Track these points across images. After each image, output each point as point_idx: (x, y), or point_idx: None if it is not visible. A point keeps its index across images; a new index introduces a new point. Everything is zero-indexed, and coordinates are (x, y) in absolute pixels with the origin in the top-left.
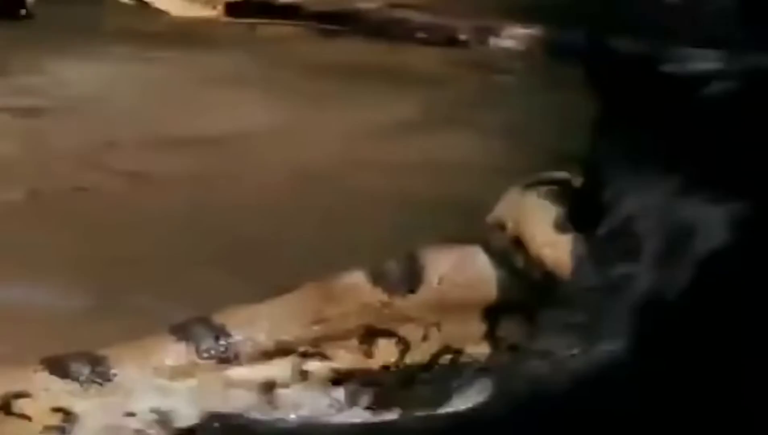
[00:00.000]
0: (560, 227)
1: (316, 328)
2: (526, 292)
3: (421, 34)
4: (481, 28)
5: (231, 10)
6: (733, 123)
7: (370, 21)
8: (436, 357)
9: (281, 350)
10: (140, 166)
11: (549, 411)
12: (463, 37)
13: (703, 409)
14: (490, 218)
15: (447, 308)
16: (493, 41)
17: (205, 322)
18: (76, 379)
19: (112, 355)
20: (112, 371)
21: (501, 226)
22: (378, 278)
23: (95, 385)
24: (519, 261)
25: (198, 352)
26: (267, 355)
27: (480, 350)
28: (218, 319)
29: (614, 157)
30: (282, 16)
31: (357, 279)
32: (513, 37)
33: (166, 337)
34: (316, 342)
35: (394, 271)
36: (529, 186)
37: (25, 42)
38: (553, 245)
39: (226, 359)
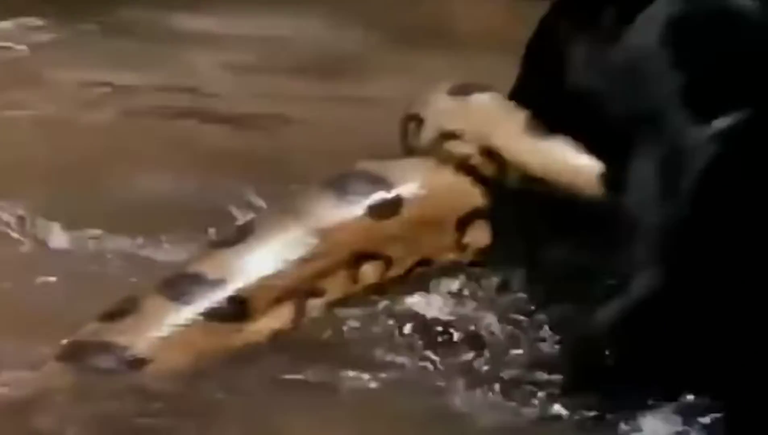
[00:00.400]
0: (533, 132)
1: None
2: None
3: None
4: None
5: None
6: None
7: None
8: (410, 270)
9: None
10: None
11: None
12: None
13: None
14: (406, 117)
15: (424, 223)
16: None
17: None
18: None
19: None
20: None
21: (417, 120)
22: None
23: None
24: (488, 169)
25: None
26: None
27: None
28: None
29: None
30: None
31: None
32: None
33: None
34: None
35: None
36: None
37: None
38: (533, 152)
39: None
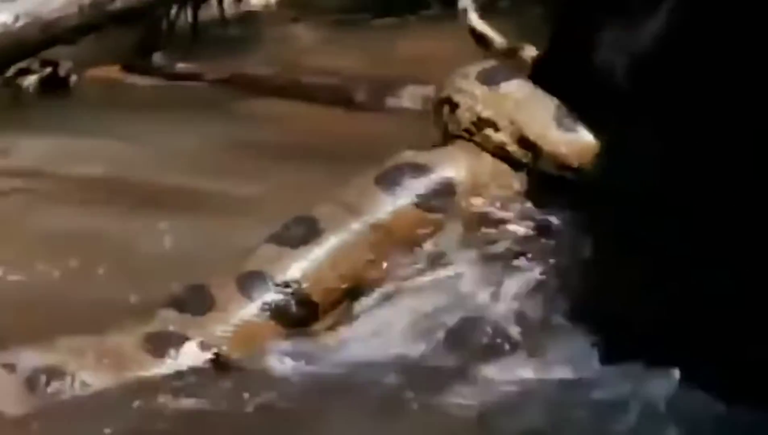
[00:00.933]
0: (564, 121)
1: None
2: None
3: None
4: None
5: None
6: None
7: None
8: None
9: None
10: None
11: None
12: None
13: None
14: (439, 100)
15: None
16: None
17: None
18: None
19: None
20: None
21: (450, 104)
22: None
23: None
24: (523, 157)
25: None
26: None
27: None
28: None
29: None
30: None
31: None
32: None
33: None
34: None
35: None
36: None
37: None
38: (566, 143)
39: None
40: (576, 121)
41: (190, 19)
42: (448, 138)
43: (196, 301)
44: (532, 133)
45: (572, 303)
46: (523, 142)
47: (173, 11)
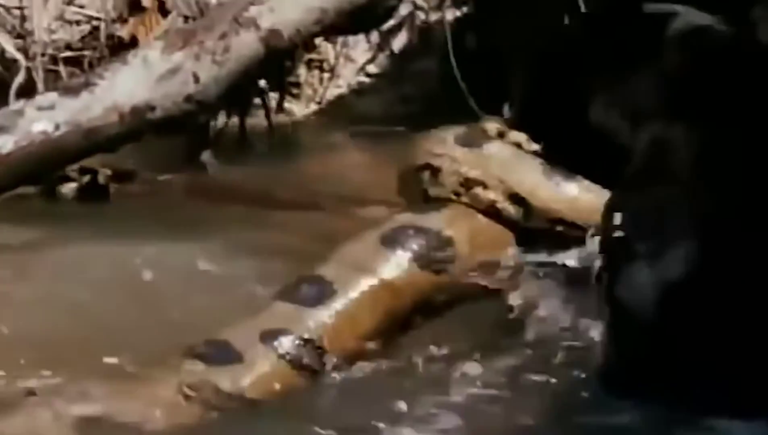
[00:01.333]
0: (553, 177)
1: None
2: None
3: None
4: None
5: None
6: None
7: None
8: None
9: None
10: None
11: None
12: None
13: None
14: (416, 168)
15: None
16: None
17: None
18: None
19: None
20: None
21: (431, 169)
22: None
23: None
24: (514, 213)
25: None
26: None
27: None
28: None
29: None
30: None
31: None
32: None
33: None
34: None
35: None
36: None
37: None
38: (558, 198)
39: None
40: (566, 175)
41: (236, 127)
42: (428, 201)
43: (222, 355)
44: (522, 190)
45: None
46: (514, 198)
47: (218, 120)
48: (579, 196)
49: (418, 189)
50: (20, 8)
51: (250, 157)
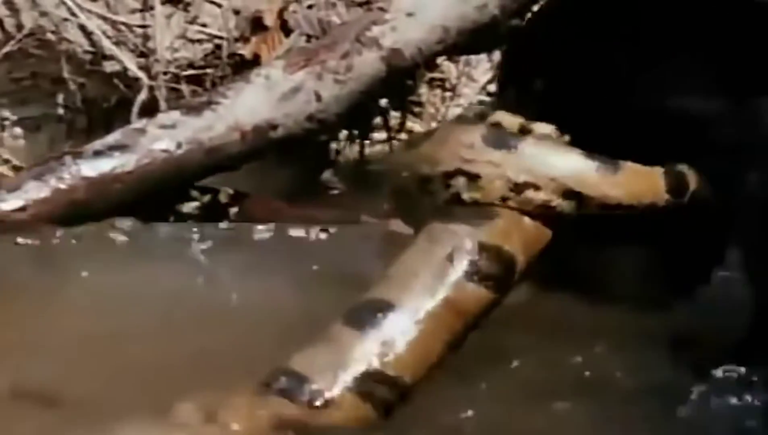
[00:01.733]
0: (599, 165)
1: None
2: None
3: None
4: None
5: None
6: None
7: None
8: None
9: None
10: None
11: None
12: None
13: None
14: (443, 174)
15: None
16: None
17: None
18: None
19: None
20: None
21: (466, 175)
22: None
23: None
24: (569, 208)
25: None
26: None
27: None
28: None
29: None
30: None
31: None
32: None
33: None
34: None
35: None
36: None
37: None
38: (611, 185)
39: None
40: (611, 161)
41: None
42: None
43: (296, 386)
44: (575, 184)
45: None
46: (567, 194)
47: (338, 143)
48: (630, 180)
49: (431, 199)
50: (143, 26)
51: (370, 176)
